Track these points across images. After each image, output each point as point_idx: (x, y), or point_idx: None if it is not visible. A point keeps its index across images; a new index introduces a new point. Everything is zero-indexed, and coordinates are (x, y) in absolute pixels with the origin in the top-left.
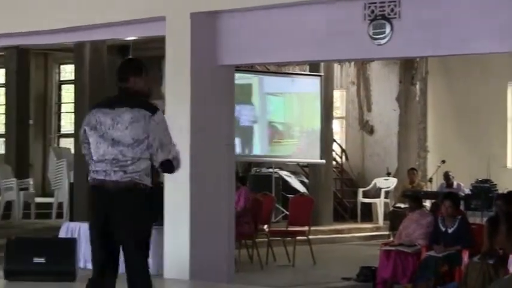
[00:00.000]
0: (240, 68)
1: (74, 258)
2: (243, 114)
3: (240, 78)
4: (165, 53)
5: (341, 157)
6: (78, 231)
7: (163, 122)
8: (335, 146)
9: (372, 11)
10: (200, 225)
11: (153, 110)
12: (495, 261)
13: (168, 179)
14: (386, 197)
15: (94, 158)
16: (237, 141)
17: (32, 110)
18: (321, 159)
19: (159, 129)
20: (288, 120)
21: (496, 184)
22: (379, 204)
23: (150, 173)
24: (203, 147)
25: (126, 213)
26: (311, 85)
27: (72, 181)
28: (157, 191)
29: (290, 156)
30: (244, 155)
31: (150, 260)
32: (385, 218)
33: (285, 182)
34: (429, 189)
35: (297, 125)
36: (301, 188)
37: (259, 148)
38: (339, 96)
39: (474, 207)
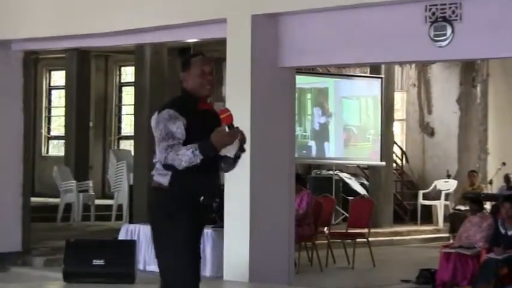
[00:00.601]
0: (301, 71)
1: (134, 260)
2: (320, 116)
3: (318, 82)
4: (225, 55)
5: (401, 159)
6: (138, 233)
7: (161, 121)
8: (395, 148)
9: (433, 13)
10: (260, 227)
11: (161, 108)
12: None
13: (228, 180)
14: (446, 199)
15: None
16: (312, 143)
17: (92, 112)
18: (381, 161)
19: (156, 128)
20: (362, 123)
21: None
22: (439, 206)
23: (171, 172)
24: (264, 148)
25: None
26: (371, 87)
27: (131, 183)
28: (179, 191)
29: (366, 159)
30: (320, 157)
31: (209, 262)
32: (445, 220)
33: (345, 184)
34: (489, 192)
35: (371, 128)
36: (361, 190)
37: (334, 151)
38: (399, 99)
39: None
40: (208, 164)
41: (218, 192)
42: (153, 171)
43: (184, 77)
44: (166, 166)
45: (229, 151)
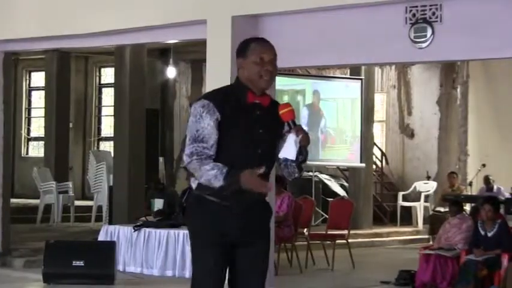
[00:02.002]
0: (281, 72)
1: (113, 261)
2: (300, 118)
3: (296, 83)
4: (206, 56)
5: (381, 161)
6: (118, 234)
7: (193, 114)
8: (375, 150)
9: (414, 15)
10: None
11: (200, 97)
12: None
13: None
14: (426, 201)
15: None
16: None
17: (72, 113)
18: (361, 162)
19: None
20: (339, 125)
21: None
22: (419, 207)
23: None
24: None
25: None
26: (349, 89)
27: (111, 184)
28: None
29: (343, 161)
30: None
31: (189, 263)
32: (424, 222)
33: (325, 186)
34: (469, 193)
35: (348, 130)
36: (341, 192)
37: (310, 152)
38: (379, 100)
39: None
40: (252, 163)
41: (262, 203)
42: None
43: (240, 64)
44: (186, 169)
45: (287, 153)
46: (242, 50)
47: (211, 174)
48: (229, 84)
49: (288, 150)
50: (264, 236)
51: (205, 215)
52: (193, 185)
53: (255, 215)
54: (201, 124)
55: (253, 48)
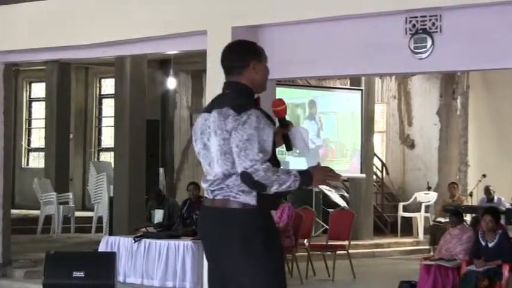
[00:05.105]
0: (281, 83)
1: (114, 272)
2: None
3: (296, 97)
4: (206, 67)
5: (381, 171)
6: (118, 245)
7: (247, 123)
8: (375, 160)
9: (413, 25)
10: None
11: (239, 108)
12: None
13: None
14: (426, 211)
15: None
16: (290, 159)
17: (73, 124)
18: (362, 173)
19: (240, 130)
20: (339, 139)
21: None
22: (420, 218)
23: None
24: None
25: (219, 246)
26: (349, 101)
27: (111, 195)
28: (267, 210)
29: (343, 172)
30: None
31: (189, 274)
32: (425, 232)
33: (325, 196)
34: (470, 204)
35: (349, 143)
36: (342, 202)
37: (311, 164)
38: (379, 111)
39: None
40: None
41: None
42: (213, 186)
43: (252, 66)
44: (248, 181)
45: (303, 145)
46: (256, 52)
47: (289, 180)
48: (232, 91)
49: (303, 142)
50: None
51: (270, 229)
52: (252, 201)
53: None
54: (263, 137)
55: (263, 53)
